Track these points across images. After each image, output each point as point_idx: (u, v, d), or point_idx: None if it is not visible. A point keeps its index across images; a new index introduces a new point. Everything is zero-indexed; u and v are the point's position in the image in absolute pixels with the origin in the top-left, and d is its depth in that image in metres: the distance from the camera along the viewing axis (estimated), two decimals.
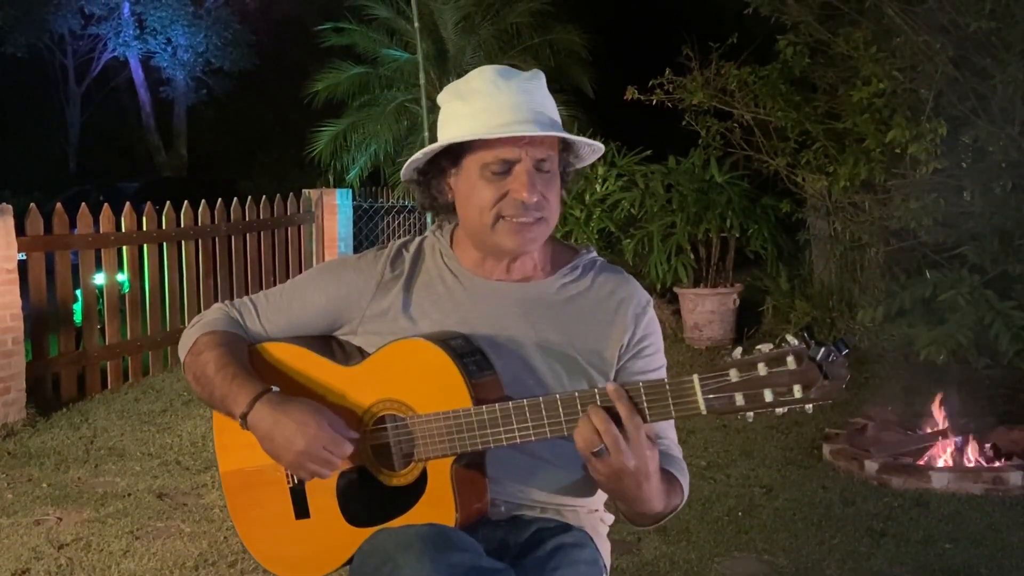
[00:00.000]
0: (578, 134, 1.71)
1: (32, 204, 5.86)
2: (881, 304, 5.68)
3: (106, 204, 6.41)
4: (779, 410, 1.43)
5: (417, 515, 1.59)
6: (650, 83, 7.10)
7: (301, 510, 1.71)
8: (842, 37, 5.99)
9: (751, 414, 1.44)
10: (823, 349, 1.39)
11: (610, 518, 1.82)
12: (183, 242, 6.94)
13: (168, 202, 6.91)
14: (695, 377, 1.45)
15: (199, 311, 2.32)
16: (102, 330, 6.31)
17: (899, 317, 5.67)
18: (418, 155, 1.72)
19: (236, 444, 1.74)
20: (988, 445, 4.45)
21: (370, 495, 1.64)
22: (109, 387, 6.20)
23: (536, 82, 1.69)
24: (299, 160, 13.81)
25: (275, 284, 1.99)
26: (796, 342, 1.41)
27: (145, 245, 6.60)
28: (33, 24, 19.90)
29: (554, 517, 1.72)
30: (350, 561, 1.62)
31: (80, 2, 20.26)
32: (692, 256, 7.50)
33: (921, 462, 4.41)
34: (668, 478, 1.64)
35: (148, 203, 6.70)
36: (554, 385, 1.68)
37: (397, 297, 1.75)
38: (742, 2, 6.41)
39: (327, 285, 1.79)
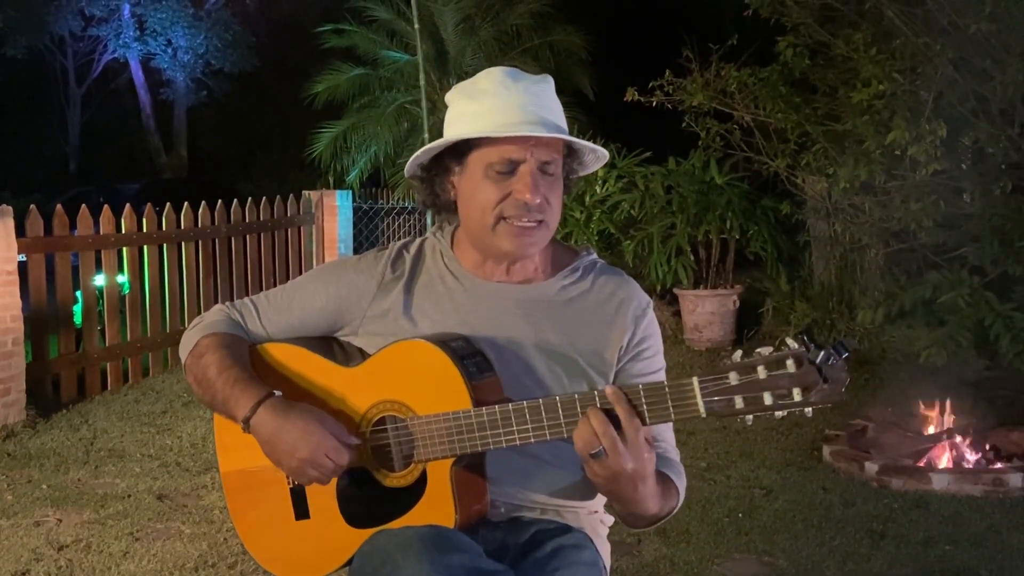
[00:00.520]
0: (579, 137, 1.72)
1: (32, 205, 5.86)
2: (881, 306, 5.68)
3: (106, 205, 6.41)
4: (778, 413, 1.43)
5: (417, 516, 1.59)
6: (650, 84, 7.10)
7: (301, 511, 1.71)
8: (842, 39, 5.99)
9: (750, 417, 1.44)
10: (823, 352, 1.39)
11: (610, 519, 1.82)
12: (183, 243, 6.95)
13: (168, 203, 6.91)
14: (695, 380, 1.46)
15: (199, 312, 2.32)
16: (102, 331, 6.31)
17: (899, 319, 5.67)
18: (423, 150, 1.72)
19: (237, 444, 1.74)
20: (988, 447, 4.45)
21: (370, 496, 1.65)
22: (109, 388, 6.20)
23: (544, 85, 1.70)
24: (299, 161, 13.81)
25: (275, 285, 1.99)
26: (796, 345, 1.42)
27: (145, 246, 6.61)
28: (33, 25, 19.89)
29: (554, 518, 1.72)
30: (350, 562, 1.62)
31: (80, 3, 20.25)
32: (692, 257, 7.50)
33: (921, 464, 4.41)
34: (664, 480, 1.64)
35: (148, 204, 6.70)
36: (554, 387, 1.68)
37: (398, 298, 1.75)
38: (742, 3, 6.41)
39: (328, 286, 1.79)
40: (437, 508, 1.58)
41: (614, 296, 1.77)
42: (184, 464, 4.70)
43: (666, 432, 1.75)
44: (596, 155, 1.75)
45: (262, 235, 7.75)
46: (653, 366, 1.77)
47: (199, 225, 7.07)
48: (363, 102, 11.69)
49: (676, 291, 7.59)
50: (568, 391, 1.63)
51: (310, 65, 13.00)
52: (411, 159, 1.74)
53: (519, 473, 1.68)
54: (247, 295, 1.91)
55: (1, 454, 4.88)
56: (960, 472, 4.26)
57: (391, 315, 1.74)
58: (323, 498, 1.68)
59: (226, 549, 3.58)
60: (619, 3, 16.37)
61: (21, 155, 21.02)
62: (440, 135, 1.72)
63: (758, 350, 1.45)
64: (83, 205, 6.17)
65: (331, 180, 11.54)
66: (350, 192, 9.41)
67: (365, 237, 10.33)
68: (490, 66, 1.78)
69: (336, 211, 8.75)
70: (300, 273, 7.27)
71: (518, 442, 1.55)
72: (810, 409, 1.42)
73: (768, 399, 1.42)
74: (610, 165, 8.07)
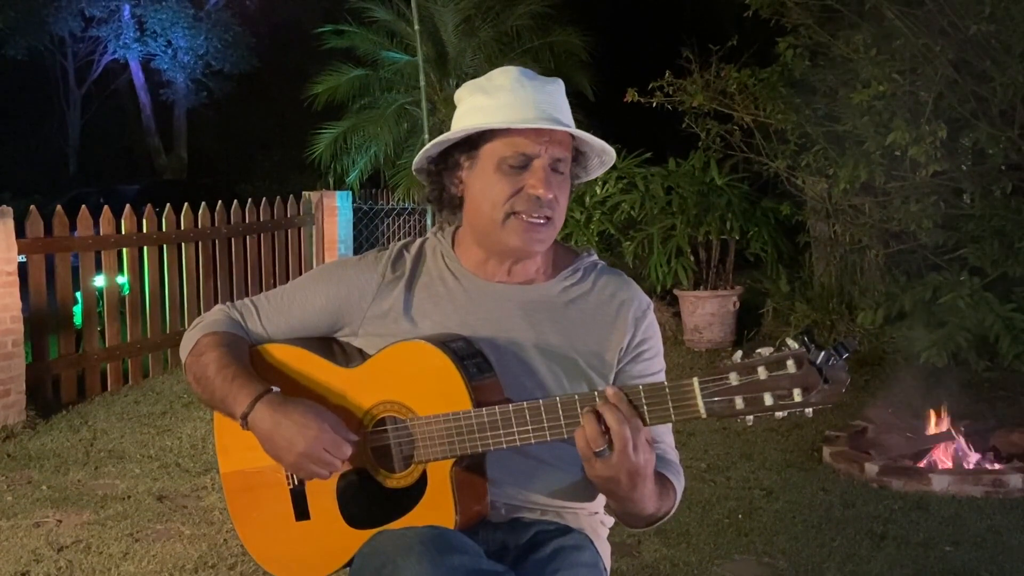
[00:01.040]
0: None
1: (32, 206, 5.86)
2: (881, 307, 5.69)
3: (106, 206, 6.41)
4: (779, 414, 1.43)
5: (417, 517, 1.59)
6: (650, 85, 7.11)
7: (301, 512, 1.71)
8: (842, 40, 6.00)
9: (751, 417, 1.44)
10: (823, 353, 1.39)
11: (610, 521, 1.81)
12: (183, 244, 6.94)
13: (168, 204, 6.91)
14: (695, 380, 1.45)
15: (199, 313, 2.33)
16: (102, 332, 6.30)
17: (899, 320, 5.68)
18: (436, 141, 1.73)
19: (237, 445, 1.74)
20: (988, 447, 4.45)
21: (370, 497, 1.64)
22: (109, 389, 6.19)
23: (556, 87, 1.73)
24: (299, 162, 13.81)
25: (275, 287, 1.99)
26: (796, 346, 1.41)
27: (145, 247, 6.60)
28: (33, 26, 19.89)
29: (554, 519, 1.72)
30: (350, 563, 1.62)
31: (80, 4, 20.25)
32: (692, 258, 7.50)
33: (921, 464, 4.40)
34: (662, 481, 1.64)
35: (148, 205, 6.70)
36: (554, 387, 1.68)
37: (398, 298, 1.75)
38: (742, 4, 6.42)
39: (328, 286, 1.79)
40: (437, 509, 1.58)
41: (615, 297, 1.77)
42: (184, 465, 4.70)
43: (665, 434, 1.75)
44: (601, 160, 1.77)
45: (262, 236, 7.74)
46: (653, 367, 1.77)
47: (199, 226, 7.06)
48: (363, 103, 11.70)
49: (676, 292, 7.58)
50: (568, 392, 1.63)
51: (310, 66, 13.00)
52: (421, 151, 1.74)
53: (519, 474, 1.67)
54: (247, 296, 1.91)
55: (1, 455, 4.87)
56: (960, 473, 4.25)
57: (391, 316, 1.74)
58: (323, 499, 1.68)
59: (226, 550, 3.58)
60: (619, 4, 16.38)
61: (21, 156, 21.05)
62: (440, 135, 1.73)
63: (758, 351, 1.44)
64: (83, 206, 6.17)
65: (331, 181, 11.55)
66: (350, 193, 9.41)
67: (365, 238, 10.35)
68: (490, 67, 1.79)
69: (336, 212, 8.74)
70: (300, 274, 7.25)
71: (518, 443, 1.55)
72: (810, 410, 1.41)
73: (768, 400, 1.41)
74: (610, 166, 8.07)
